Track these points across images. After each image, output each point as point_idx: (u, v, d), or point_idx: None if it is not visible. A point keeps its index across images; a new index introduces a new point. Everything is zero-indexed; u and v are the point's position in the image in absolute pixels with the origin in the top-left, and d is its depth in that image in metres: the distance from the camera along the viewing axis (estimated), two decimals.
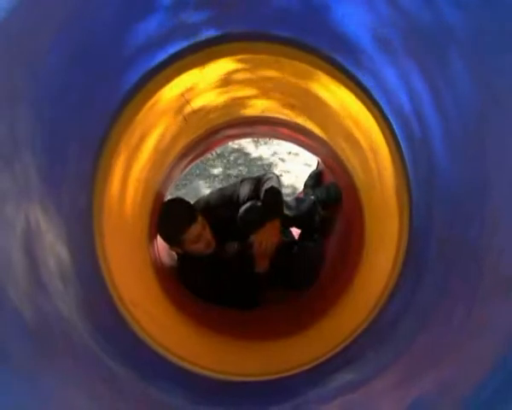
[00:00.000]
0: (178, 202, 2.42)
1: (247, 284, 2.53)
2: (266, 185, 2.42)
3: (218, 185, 3.94)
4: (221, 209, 2.49)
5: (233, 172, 4.17)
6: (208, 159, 4.25)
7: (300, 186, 3.66)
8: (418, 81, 1.27)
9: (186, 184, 4.07)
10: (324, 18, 1.42)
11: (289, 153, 4.28)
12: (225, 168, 4.22)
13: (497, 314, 0.95)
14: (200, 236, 2.24)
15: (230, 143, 4.30)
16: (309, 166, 3.90)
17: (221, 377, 1.60)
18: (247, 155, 4.33)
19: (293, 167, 4.17)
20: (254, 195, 2.45)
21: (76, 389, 1.04)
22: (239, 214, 2.38)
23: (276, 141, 4.34)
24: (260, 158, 4.29)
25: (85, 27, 1.17)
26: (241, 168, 4.20)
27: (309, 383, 1.52)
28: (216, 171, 4.20)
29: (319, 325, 2.09)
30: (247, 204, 2.39)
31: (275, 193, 2.41)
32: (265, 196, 2.39)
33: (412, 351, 1.29)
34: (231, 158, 4.30)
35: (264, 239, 2.40)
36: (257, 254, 2.46)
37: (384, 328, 1.57)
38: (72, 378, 1.04)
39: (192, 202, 2.47)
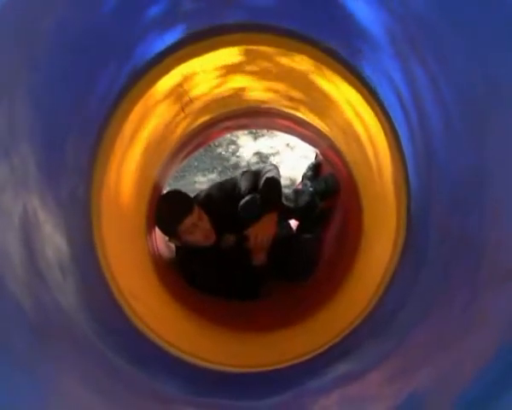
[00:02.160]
0: (175, 193, 2.43)
1: (246, 275, 2.54)
2: (265, 177, 2.42)
3: (216, 178, 3.94)
4: (222, 202, 2.49)
5: (231, 164, 4.16)
6: (206, 150, 4.24)
7: (297, 178, 3.67)
8: (418, 73, 1.27)
9: (184, 176, 4.06)
10: (326, 10, 1.41)
11: (287, 145, 4.27)
12: (223, 160, 4.21)
13: (495, 305, 0.96)
14: (195, 227, 2.24)
15: (229, 135, 4.28)
16: (306, 157, 3.90)
17: (220, 368, 1.60)
18: (244, 147, 4.32)
19: (289, 159, 4.16)
20: (254, 187, 2.45)
21: (76, 379, 1.04)
22: (239, 207, 2.38)
23: (274, 133, 4.33)
24: (258, 150, 4.28)
25: (85, 16, 1.17)
26: (239, 160, 4.19)
27: (307, 374, 1.53)
28: (214, 163, 4.19)
29: (317, 316, 2.09)
30: (247, 197, 2.40)
31: (273, 185, 2.41)
32: (264, 187, 2.39)
33: (410, 343, 1.29)
34: (229, 150, 4.29)
35: (261, 232, 2.40)
36: (253, 247, 2.46)
37: (382, 319, 1.57)
38: (72, 369, 1.04)
39: (190, 194, 2.47)
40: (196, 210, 2.25)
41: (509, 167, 0.96)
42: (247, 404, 1.42)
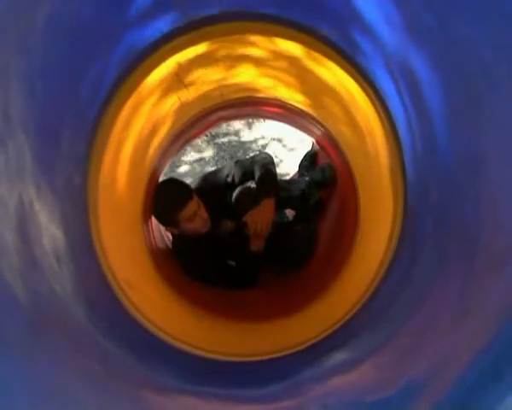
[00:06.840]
0: (173, 181, 2.42)
1: (243, 262, 2.54)
2: (261, 165, 2.41)
3: (211, 167, 3.94)
4: (215, 191, 2.49)
5: (226, 154, 4.15)
6: (203, 140, 4.23)
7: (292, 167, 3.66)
8: (415, 59, 1.26)
9: (180, 165, 4.06)
10: None
11: (284, 134, 4.26)
12: (218, 150, 4.20)
13: (492, 290, 0.96)
14: (195, 214, 2.24)
15: (225, 125, 4.27)
16: (302, 147, 3.88)
17: (216, 357, 1.61)
18: (241, 136, 4.31)
19: (284, 149, 4.15)
20: (249, 176, 2.45)
21: (70, 368, 1.04)
22: (233, 196, 2.37)
23: (269, 122, 4.32)
24: (254, 140, 4.27)
25: (77, 4, 1.15)
26: (234, 150, 4.18)
27: (303, 363, 1.54)
28: (210, 153, 4.18)
29: (314, 305, 2.10)
30: (242, 186, 2.39)
31: (269, 173, 2.41)
32: (260, 175, 2.38)
33: (406, 331, 1.30)
34: (225, 140, 4.28)
35: (259, 218, 2.40)
36: (251, 234, 2.46)
37: (379, 308, 1.58)
38: (66, 358, 1.04)
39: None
40: (195, 198, 2.25)
41: (505, 154, 0.96)
42: (243, 393, 1.42)
